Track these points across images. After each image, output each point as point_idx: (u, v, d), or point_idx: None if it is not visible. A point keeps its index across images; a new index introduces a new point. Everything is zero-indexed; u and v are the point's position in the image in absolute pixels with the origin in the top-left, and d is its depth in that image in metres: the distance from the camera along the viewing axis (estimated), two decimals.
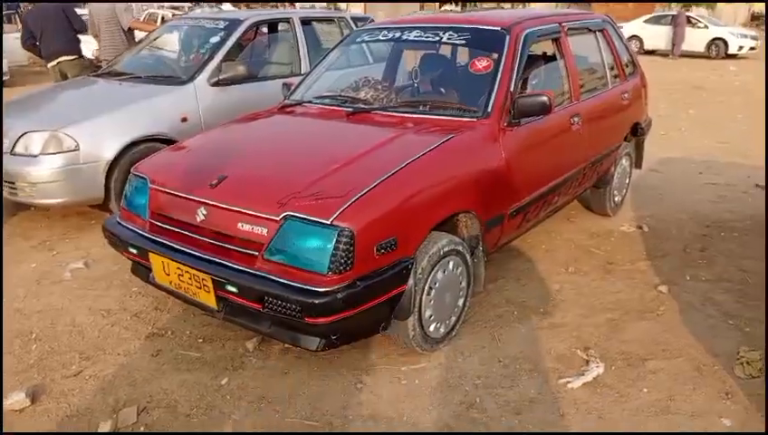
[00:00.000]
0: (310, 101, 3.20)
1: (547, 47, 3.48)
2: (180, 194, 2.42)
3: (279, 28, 5.15)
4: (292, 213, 2.08)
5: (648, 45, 18.42)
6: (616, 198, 4.25)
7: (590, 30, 3.77)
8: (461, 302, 2.61)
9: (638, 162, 4.51)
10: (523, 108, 2.69)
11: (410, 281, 2.21)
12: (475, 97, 2.84)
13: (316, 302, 1.97)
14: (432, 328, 2.45)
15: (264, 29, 5.13)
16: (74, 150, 3.60)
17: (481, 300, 2.99)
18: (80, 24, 5.38)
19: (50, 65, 5.54)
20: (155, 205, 2.52)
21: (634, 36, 18.69)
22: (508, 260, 3.48)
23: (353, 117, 2.87)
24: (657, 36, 18.27)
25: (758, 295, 3.04)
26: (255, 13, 4.88)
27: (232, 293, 2.16)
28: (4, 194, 3.73)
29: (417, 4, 50.80)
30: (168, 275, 2.38)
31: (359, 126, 2.79)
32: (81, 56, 5.44)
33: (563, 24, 3.37)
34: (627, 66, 4.12)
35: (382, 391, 2.28)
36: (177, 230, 2.40)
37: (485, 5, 44.59)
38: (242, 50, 4.78)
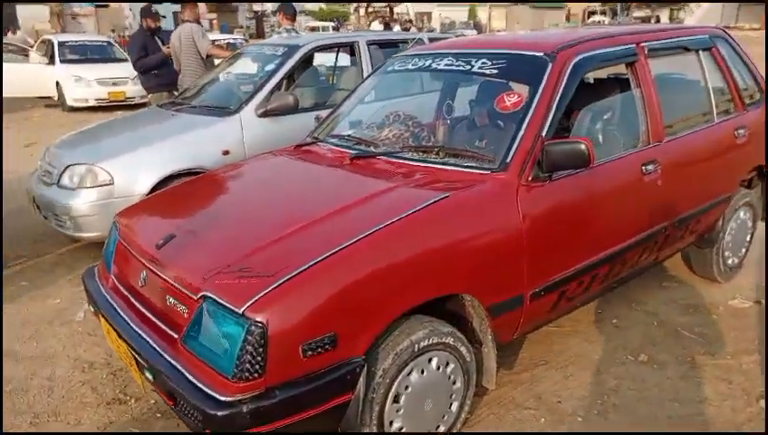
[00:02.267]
0: (324, 141, 2.81)
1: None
2: (132, 250, 2.15)
3: (345, 53, 4.84)
4: (208, 293, 1.69)
5: None
6: (729, 261, 3.32)
7: (689, 49, 2.95)
8: (454, 406, 2.04)
9: (766, 214, 3.52)
10: (554, 158, 2.05)
11: (359, 388, 1.71)
12: (497, 143, 2.26)
13: (218, 414, 1.56)
14: None
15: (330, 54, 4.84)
16: (109, 184, 3.55)
17: (503, 394, 2.37)
18: (134, 59, 5.48)
19: None
20: (117, 259, 2.28)
21: None
22: (557, 337, 2.79)
23: (355, 163, 2.42)
24: None
25: None
26: (316, 37, 4.61)
27: (149, 380, 1.82)
28: (53, 225, 3.79)
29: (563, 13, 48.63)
30: (113, 342, 2.12)
31: (350, 176, 2.33)
32: (163, 91, 5.57)
33: (642, 45, 2.64)
34: (747, 94, 3.21)
35: None
36: (125, 292, 2.13)
37: (635, 15, 41.36)
38: (304, 76, 4.54)
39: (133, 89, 11.67)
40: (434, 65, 2.71)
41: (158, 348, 1.81)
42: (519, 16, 45.43)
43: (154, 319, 1.90)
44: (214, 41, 5.76)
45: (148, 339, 1.86)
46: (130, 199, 3.54)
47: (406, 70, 2.89)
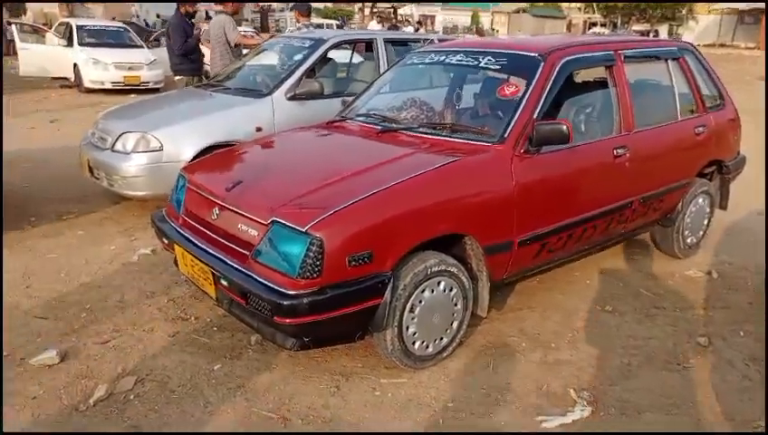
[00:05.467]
0: (352, 118, 3.37)
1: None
2: (204, 194, 2.70)
3: (364, 48, 5.41)
4: (277, 219, 2.25)
5: None
6: (688, 240, 3.91)
7: (660, 58, 3.55)
8: (455, 324, 2.61)
9: (722, 203, 4.11)
10: (542, 135, 2.63)
11: (387, 295, 2.27)
12: (498, 122, 2.83)
13: (284, 303, 2.12)
14: (417, 346, 2.48)
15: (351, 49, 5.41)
16: (159, 150, 4.10)
17: (493, 327, 2.94)
18: (179, 43, 6.03)
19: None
20: (188, 202, 2.83)
21: None
22: (539, 291, 3.36)
23: (381, 135, 2.99)
24: None
25: None
26: (341, 33, 5.18)
27: (224, 286, 2.37)
28: (104, 184, 4.33)
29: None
30: (186, 265, 2.67)
31: (379, 144, 2.90)
32: (192, 75, 6.12)
33: (620, 52, 3.22)
34: (709, 99, 3.80)
35: (353, 398, 2.36)
36: (197, 226, 2.68)
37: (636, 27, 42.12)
38: (326, 67, 5.10)
39: (148, 74, 12.16)
40: (447, 60, 3.29)
41: (231, 263, 2.37)
42: (521, 24, 46.19)
43: (226, 243, 2.46)
44: (243, 32, 6.31)
45: (223, 258, 2.42)
46: (176, 165, 4.09)
47: (423, 63, 3.46)
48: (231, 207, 2.49)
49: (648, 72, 3.61)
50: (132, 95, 11.19)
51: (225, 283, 2.36)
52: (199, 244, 2.58)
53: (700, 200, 3.88)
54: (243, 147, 3.27)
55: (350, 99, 3.79)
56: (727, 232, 4.46)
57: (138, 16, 31.38)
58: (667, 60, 3.58)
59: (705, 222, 4.05)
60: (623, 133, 3.15)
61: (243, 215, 2.42)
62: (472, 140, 2.76)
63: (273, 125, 4.48)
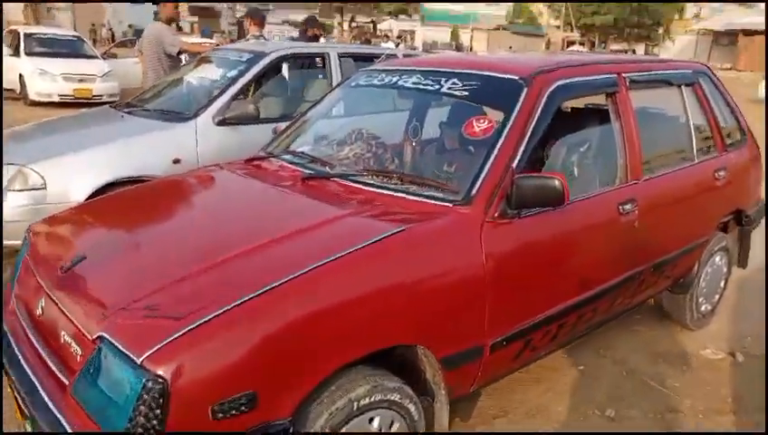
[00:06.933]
0: (278, 156, 2.55)
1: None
2: (35, 271, 1.85)
3: (314, 64, 4.60)
4: (104, 334, 1.41)
5: None
6: (702, 307, 3.15)
7: (672, 84, 2.79)
8: None
9: (741, 260, 3.37)
10: (525, 193, 1.83)
11: None
12: (462, 172, 2.04)
13: None
14: None
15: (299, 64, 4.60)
16: (40, 189, 3.22)
17: None
18: None
19: None
20: (21, 280, 1.98)
21: None
22: (519, 386, 2.55)
23: (306, 183, 2.16)
24: None
25: None
26: (286, 45, 4.38)
27: (28, 432, 1.52)
28: None
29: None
30: (5, 374, 1.80)
31: (299, 199, 2.07)
32: None
33: (624, 75, 2.45)
34: (728, 134, 3.07)
35: None
36: (23, 321, 1.82)
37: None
38: (268, 85, 4.29)
39: (101, 86, 11.27)
40: (401, 82, 2.48)
41: (44, 394, 1.52)
42: (501, 40, 45.89)
43: (47, 359, 1.61)
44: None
45: (35, 381, 1.57)
46: (64, 207, 3.23)
47: (371, 85, 2.65)
48: (57, 302, 1.64)
49: (657, 101, 2.86)
50: (83, 109, 10.26)
51: (28, 426, 1.51)
52: (17, 350, 1.72)
53: (717, 259, 3.13)
54: (118, 196, 2.42)
55: (284, 126, 2.97)
56: (739, 289, 3.72)
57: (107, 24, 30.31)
58: (680, 86, 2.83)
59: (722, 284, 3.29)
60: (630, 182, 2.38)
61: (68, 318, 1.57)
62: (425, 197, 1.94)
63: (196, 156, 3.63)
